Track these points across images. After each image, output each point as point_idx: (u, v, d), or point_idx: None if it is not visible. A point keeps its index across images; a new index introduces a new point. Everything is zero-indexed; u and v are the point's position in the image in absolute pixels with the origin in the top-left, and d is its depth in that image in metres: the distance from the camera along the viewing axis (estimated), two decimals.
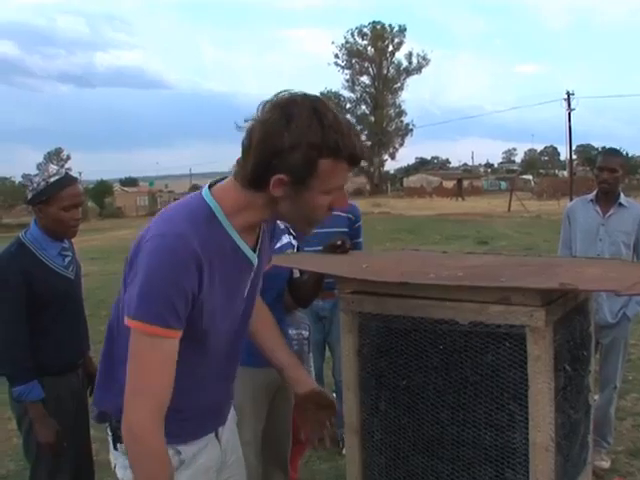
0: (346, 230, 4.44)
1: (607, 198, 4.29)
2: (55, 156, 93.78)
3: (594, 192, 4.40)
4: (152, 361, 1.67)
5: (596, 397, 3.89)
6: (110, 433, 1.88)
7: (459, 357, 2.13)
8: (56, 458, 3.04)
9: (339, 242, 3.01)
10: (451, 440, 2.17)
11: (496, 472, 2.10)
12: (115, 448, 1.87)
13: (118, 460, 1.87)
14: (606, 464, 4.27)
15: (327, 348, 5.01)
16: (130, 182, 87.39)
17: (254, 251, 1.84)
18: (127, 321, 1.67)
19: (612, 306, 4.20)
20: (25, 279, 2.90)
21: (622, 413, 5.08)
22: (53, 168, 3.10)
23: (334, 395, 5.21)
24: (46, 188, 2.94)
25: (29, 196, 3.00)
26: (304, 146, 1.58)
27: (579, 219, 4.40)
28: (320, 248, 3.08)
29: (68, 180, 3.02)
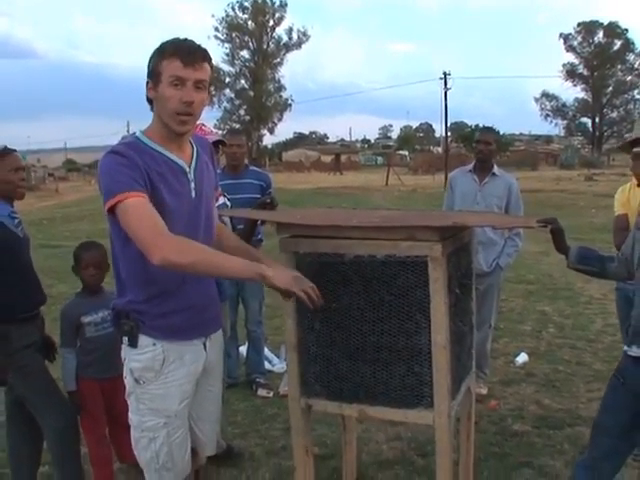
0: (259, 196, 4.98)
1: (483, 168, 5.06)
2: None
3: (472, 163, 5.20)
4: (139, 213, 2.26)
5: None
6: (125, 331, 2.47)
7: (377, 282, 2.72)
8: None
9: (268, 200, 3.54)
10: (372, 347, 2.76)
11: (407, 368, 2.72)
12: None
13: (128, 354, 2.49)
14: (484, 391, 5.09)
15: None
16: None
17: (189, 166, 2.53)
18: (107, 207, 2.27)
19: (487, 257, 4.98)
20: None
21: (496, 353, 6.05)
22: None
23: (246, 346, 5.76)
24: None
25: None
26: (153, 57, 2.41)
27: (459, 186, 5.16)
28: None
29: (9, 149, 3.55)
